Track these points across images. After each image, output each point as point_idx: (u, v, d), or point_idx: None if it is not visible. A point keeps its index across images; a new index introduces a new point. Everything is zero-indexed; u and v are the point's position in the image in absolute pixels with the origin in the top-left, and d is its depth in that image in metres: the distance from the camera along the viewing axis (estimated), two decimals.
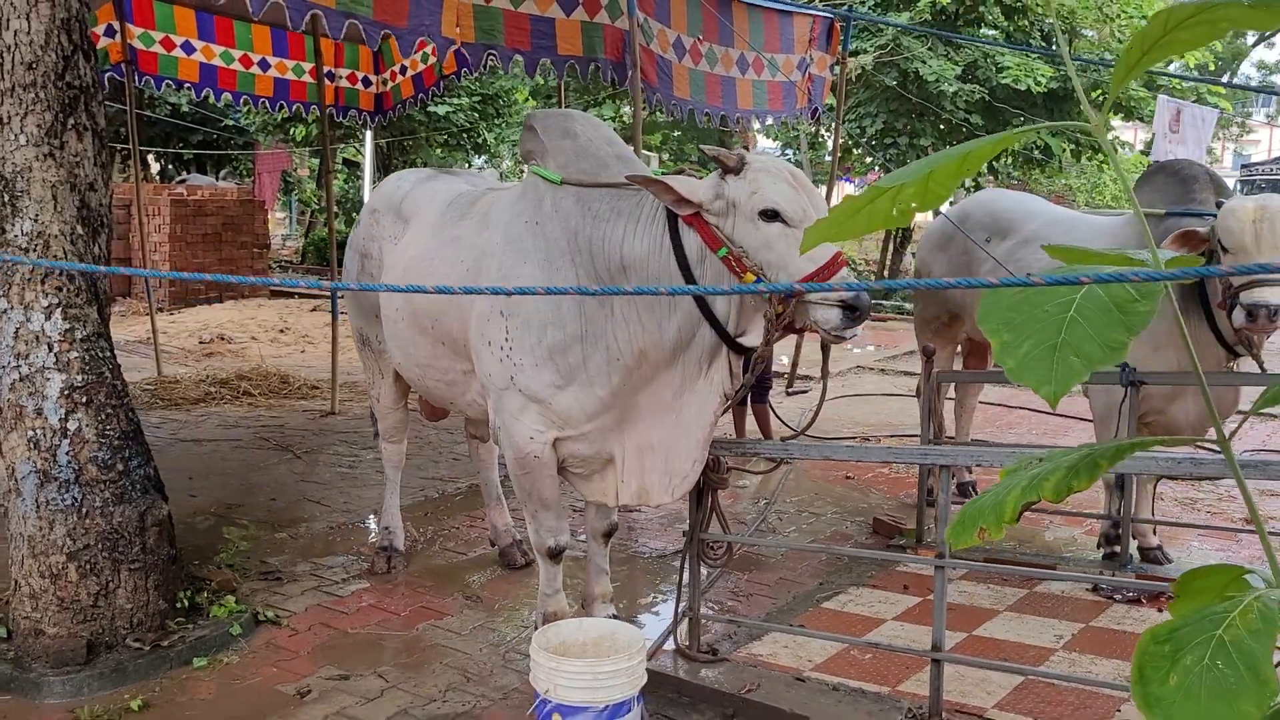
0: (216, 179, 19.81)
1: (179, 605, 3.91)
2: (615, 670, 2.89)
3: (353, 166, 21.19)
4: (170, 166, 19.84)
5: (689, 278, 3.21)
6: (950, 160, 1.37)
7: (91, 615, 3.67)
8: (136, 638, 3.71)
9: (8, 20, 3.63)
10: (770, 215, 3.07)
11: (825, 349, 3.41)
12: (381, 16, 4.92)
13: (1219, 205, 4.20)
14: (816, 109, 7.92)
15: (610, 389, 3.41)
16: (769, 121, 8.01)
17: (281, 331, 11.59)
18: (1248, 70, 37.59)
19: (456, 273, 3.68)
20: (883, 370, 10.31)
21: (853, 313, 3.03)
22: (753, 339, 3.29)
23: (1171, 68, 15.62)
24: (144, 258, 9.72)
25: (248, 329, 11.67)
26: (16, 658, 3.63)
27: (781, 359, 9.20)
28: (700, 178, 3.27)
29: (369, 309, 4.32)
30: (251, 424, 7.53)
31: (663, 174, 3.35)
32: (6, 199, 3.69)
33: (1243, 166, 32.10)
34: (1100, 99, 13.97)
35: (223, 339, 10.98)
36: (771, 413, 6.70)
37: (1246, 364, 4.49)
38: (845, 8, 9.00)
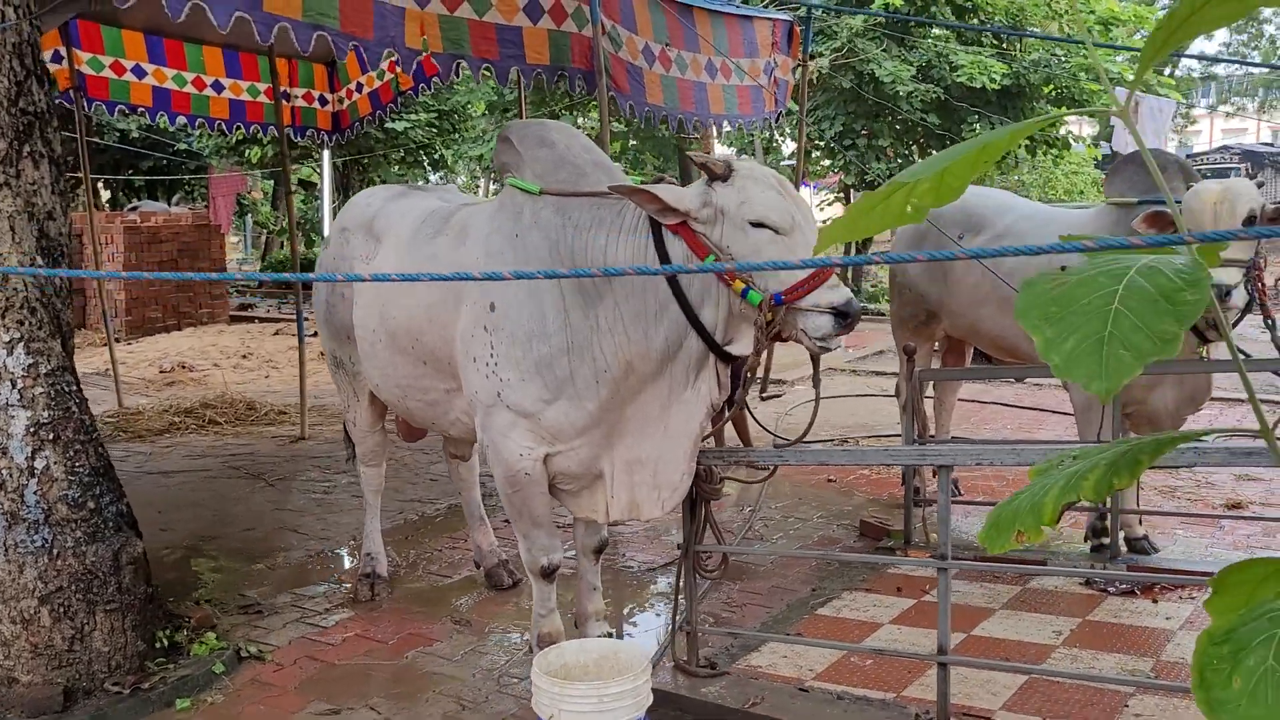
0: (169, 205, 19.48)
1: (158, 645, 3.77)
2: (621, 691, 2.81)
3: (309, 187, 20.95)
4: (121, 194, 19.49)
5: (675, 288, 3.15)
6: (968, 153, 1.33)
7: (67, 660, 3.52)
8: (115, 681, 3.57)
9: None
10: (760, 224, 3.03)
11: (815, 360, 3.36)
12: (349, 28, 4.82)
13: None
14: (782, 112, 7.90)
15: (599, 402, 3.34)
16: (738, 125, 7.99)
17: (244, 357, 11.37)
18: (1188, 63, 38.28)
19: (435, 291, 3.59)
20: (854, 371, 10.31)
21: (844, 319, 2.99)
22: (741, 347, 3.24)
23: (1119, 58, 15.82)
24: (99, 288, 9.49)
25: (209, 355, 11.44)
26: None
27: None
28: (674, 183, 3.22)
29: (341, 330, 4.21)
30: (220, 453, 7.36)
31: (644, 182, 3.29)
32: None
33: (1187, 156, 32.74)
34: (1054, 94, 14.13)
35: (184, 367, 10.75)
36: (750, 417, 6.62)
37: (1218, 350, 4.51)
38: (807, 8, 8.98)
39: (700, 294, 3.16)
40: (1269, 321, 4.52)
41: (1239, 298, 4.09)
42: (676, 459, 3.41)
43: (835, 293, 2.99)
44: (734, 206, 3.06)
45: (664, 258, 3.17)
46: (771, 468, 3.75)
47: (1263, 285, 4.40)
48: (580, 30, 6.04)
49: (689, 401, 3.34)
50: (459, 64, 5.51)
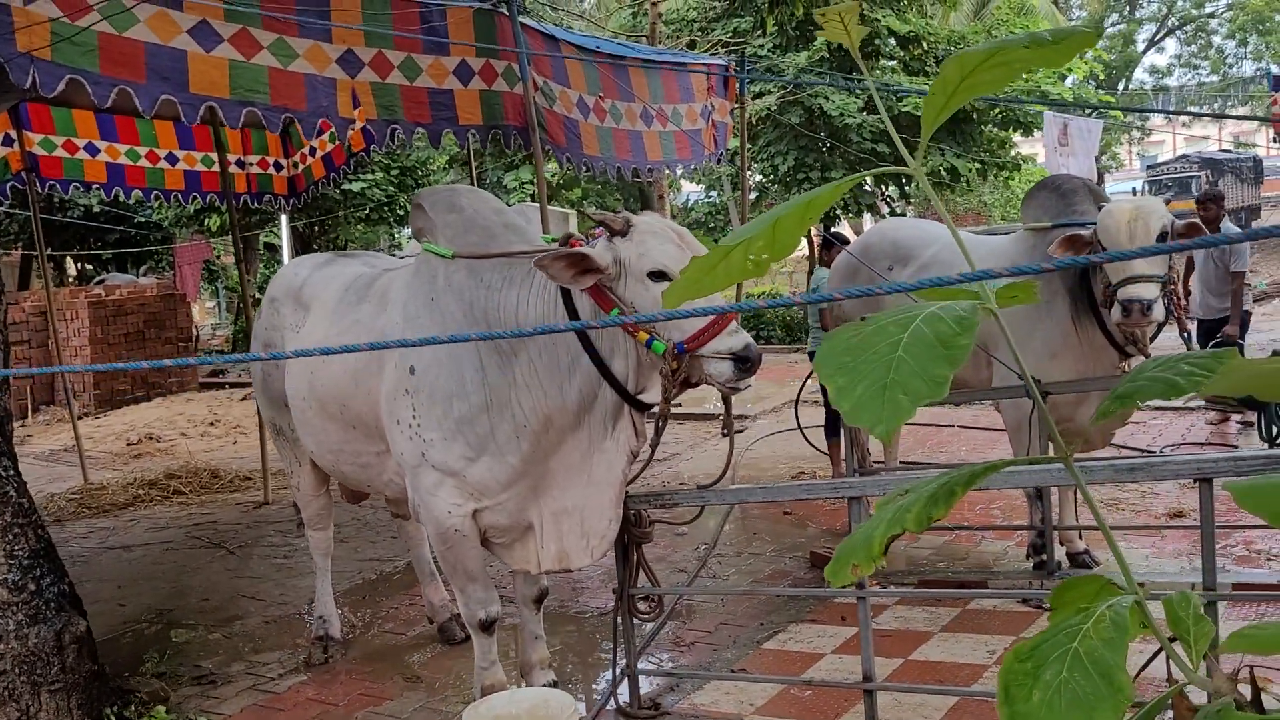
0: (137, 276, 19.56)
1: None
2: None
3: (274, 250, 21.07)
4: (89, 268, 19.56)
5: (585, 340, 3.26)
6: (794, 209, 1.42)
7: None
8: None
9: None
10: (659, 275, 3.13)
11: (726, 401, 3.47)
12: (280, 101, 4.92)
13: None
14: (722, 154, 8.07)
15: (521, 456, 3.43)
16: (679, 171, 8.15)
17: (212, 425, 11.41)
18: (1141, 76, 39.04)
19: (359, 357, 3.68)
20: (816, 402, 10.39)
21: (744, 364, 3.09)
22: (652, 395, 3.34)
23: (1068, 81, 16.15)
24: (62, 364, 9.54)
25: (176, 425, 11.48)
26: None
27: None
28: (581, 241, 3.33)
29: (278, 399, 4.29)
30: (183, 523, 7.39)
31: (553, 241, 3.40)
32: None
33: (1149, 167, 33.24)
34: (1000, 117, 14.42)
35: (151, 438, 10.78)
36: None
37: (1138, 363, 4.64)
38: (741, 50, 9.19)
39: (609, 346, 3.26)
40: (1185, 335, 4.66)
41: (1159, 312, 4.23)
42: (602, 507, 3.49)
43: (735, 339, 3.09)
44: (634, 259, 3.17)
45: (572, 313, 3.28)
46: (699, 509, 3.83)
47: (1179, 299, 4.55)
48: (512, 89, 6.19)
49: (609, 450, 3.44)
50: (393, 129, 5.65)
